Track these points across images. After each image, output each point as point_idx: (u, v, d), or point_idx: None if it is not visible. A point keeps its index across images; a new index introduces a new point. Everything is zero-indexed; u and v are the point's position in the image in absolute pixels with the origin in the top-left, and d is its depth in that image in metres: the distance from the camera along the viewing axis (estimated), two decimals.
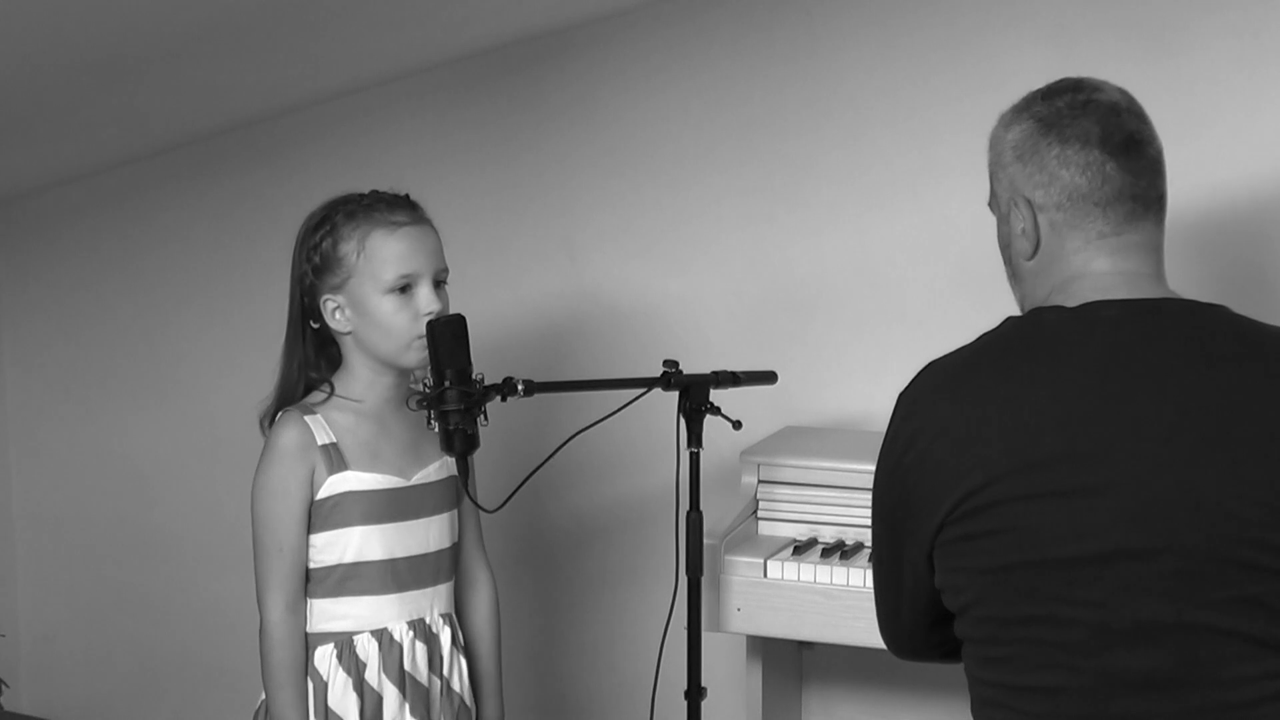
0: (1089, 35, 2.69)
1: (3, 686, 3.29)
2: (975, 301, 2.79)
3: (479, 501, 2.19)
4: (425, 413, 2.28)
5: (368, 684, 2.19)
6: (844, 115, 2.88)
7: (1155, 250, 1.67)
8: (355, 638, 2.19)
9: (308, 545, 2.18)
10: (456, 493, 2.31)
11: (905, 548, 1.68)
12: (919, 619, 1.73)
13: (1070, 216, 1.65)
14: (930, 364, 1.70)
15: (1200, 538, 1.50)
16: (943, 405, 1.63)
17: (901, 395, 1.70)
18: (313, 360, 2.24)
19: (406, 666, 2.21)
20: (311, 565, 2.19)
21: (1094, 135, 1.63)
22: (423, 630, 2.24)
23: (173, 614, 3.58)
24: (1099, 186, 1.63)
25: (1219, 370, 1.55)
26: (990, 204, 1.77)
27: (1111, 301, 1.61)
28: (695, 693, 2.39)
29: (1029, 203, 1.67)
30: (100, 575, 3.65)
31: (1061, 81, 1.70)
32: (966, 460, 1.58)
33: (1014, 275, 1.75)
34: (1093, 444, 1.53)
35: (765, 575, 2.45)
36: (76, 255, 3.58)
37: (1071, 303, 1.62)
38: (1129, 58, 2.67)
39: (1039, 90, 1.71)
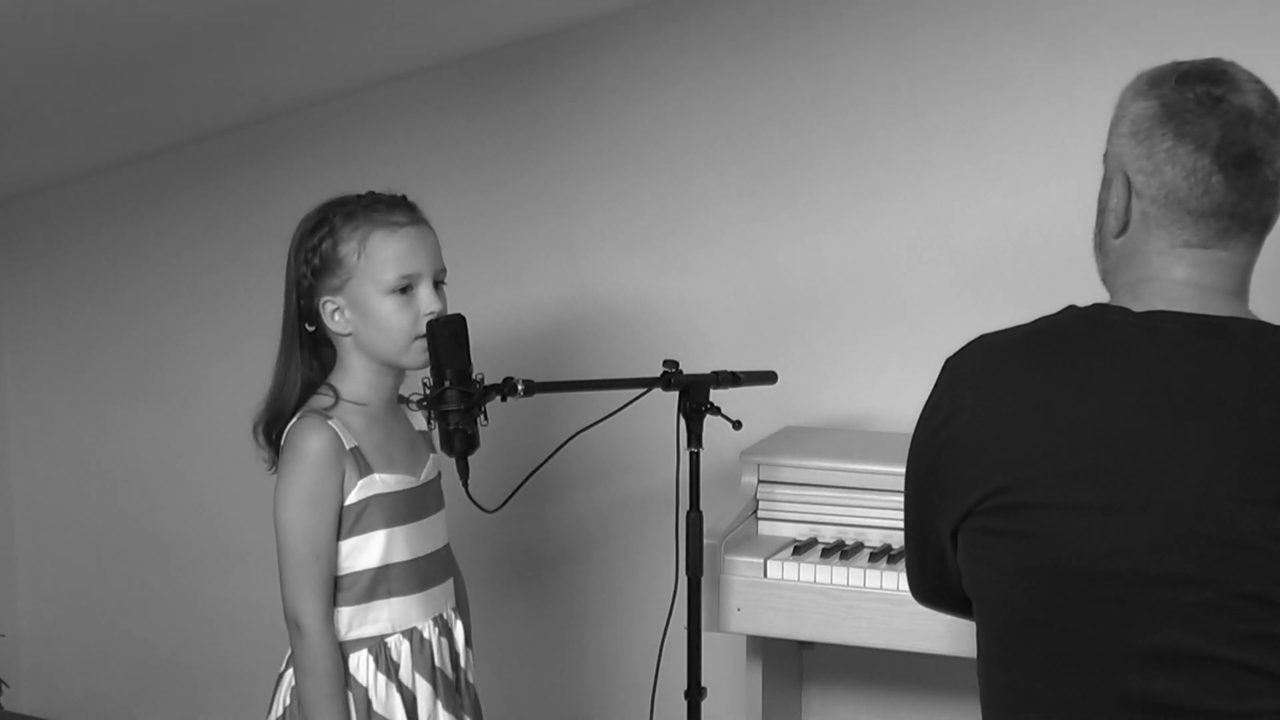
0: (1089, 35, 2.69)
1: (3, 686, 3.29)
2: (975, 301, 2.80)
3: (479, 501, 2.19)
4: (422, 412, 2.29)
5: (403, 683, 2.19)
6: (844, 115, 2.88)
7: (1241, 268, 1.59)
8: (387, 640, 2.19)
9: (336, 553, 2.16)
10: (441, 489, 2.33)
11: (933, 517, 1.65)
12: (944, 577, 1.71)
13: (1162, 214, 1.58)
14: (982, 337, 1.64)
15: (1232, 573, 1.46)
16: (987, 386, 1.59)
17: (948, 362, 1.65)
18: (309, 364, 2.24)
19: (436, 662, 2.23)
20: (341, 572, 2.16)
21: (1212, 141, 1.54)
22: (443, 625, 2.26)
23: (173, 614, 3.58)
24: (1198, 196, 1.55)
25: (1275, 399, 1.49)
26: (1104, 158, 1.68)
27: (1177, 314, 1.55)
28: (695, 693, 2.39)
29: (1128, 182, 1.60)
30: (100, 575, 3.65)
31: (1206, 66, 1.59)
32: (1004, 453, 1.55)
33: (1099, 246, 1.67)
34: (1136, 461, 1.49)
35: (765, 575, 2.45)
36: (76, 255, 3.58)
37: (1139, 306, 1.57)
38: (1129, 58, 2.67)
39: (1180, 67, 1.60)
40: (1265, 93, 1.58)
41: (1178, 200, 1.57)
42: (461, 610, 2.39)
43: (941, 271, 2.83)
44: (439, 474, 2.30)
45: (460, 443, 2.10)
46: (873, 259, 2.88)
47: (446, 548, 2.31)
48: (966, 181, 2.81)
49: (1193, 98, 1.56)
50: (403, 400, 2.31)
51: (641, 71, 3.02)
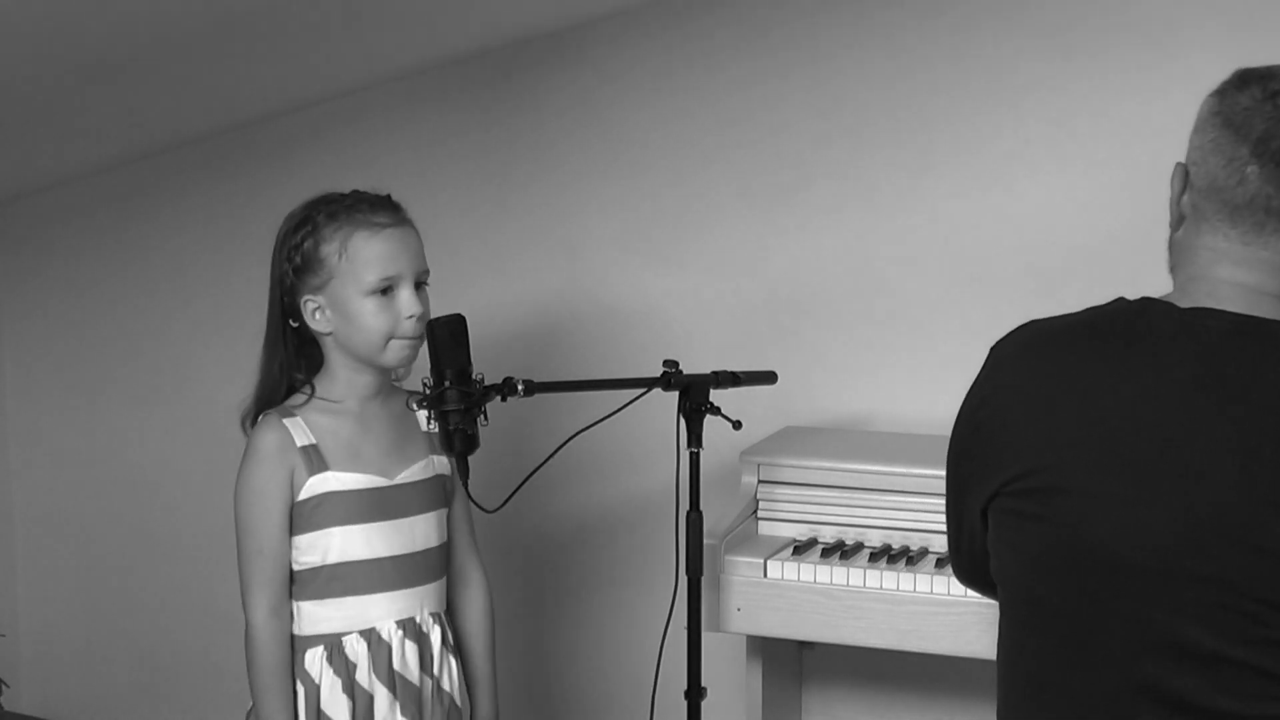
0: (1089, 36, 2.69)
1: (3, 686, 3.29)
2: (975, 301, 2.80)
3: (479, 501, 2.19)
4: (413, 412, 2.29)
5: (358, 684, 2.19)
6: (843, 115, 2.88)
7: None
8: (344, 638, 2.19)
9: (290, 548, 2.18)
10: (446, 492, 2.31)
11: (966, 495, 1.67)
12: (976, 557, 1.71)
13: (1205, 205, 1.58)
14: (1030, 322, 1.65)
15: (1252, 576, 1.46)
16: (1026, 370, 1.60)
17: (994, 345, 1.66)
18: (294, 360, 2.24)
19: (396, 666, 2.21)
20: (296, 567, 2.19)
21: (1254, 133, 1.54)
22: (413, 629, 2.24)
23: (173, 614, 3.58)
24: (1233, 186, 1.55)
25: None
26: None
27: (1221, 313, 1.54)
28: (695, 693, 2.39)
29: (1186, 174, 1.61)
30: (100, 575, 3.65)
31: (1273, 71, 1.58)
32: (1035, 436, 1.55)
33: (1168, 241, 1.67)
34: (1165, 456, 1.49)
35: (765, 575, 2.45)
36: (76, 255, 3.58)
37: (1185, 303, 1.57)
38: (1129, 58, 2.67)
39: (1247, 71, 1.60)
40: None
41: (1216, 190, 1.57)
42: (469, 616, 2.38)
43: (941, 271, 2.83)
44: (438, 476, 2.29)
45: (460, 443, 2.10)
46: (872, 259, 2.88)
47: (434, 551, 2.28)
48: (966, 181, 2.80)
49: (1247, 97, 1.57)
50: (409, 394, 2.31)
51: (640, 71, 3.02)
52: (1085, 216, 2.71)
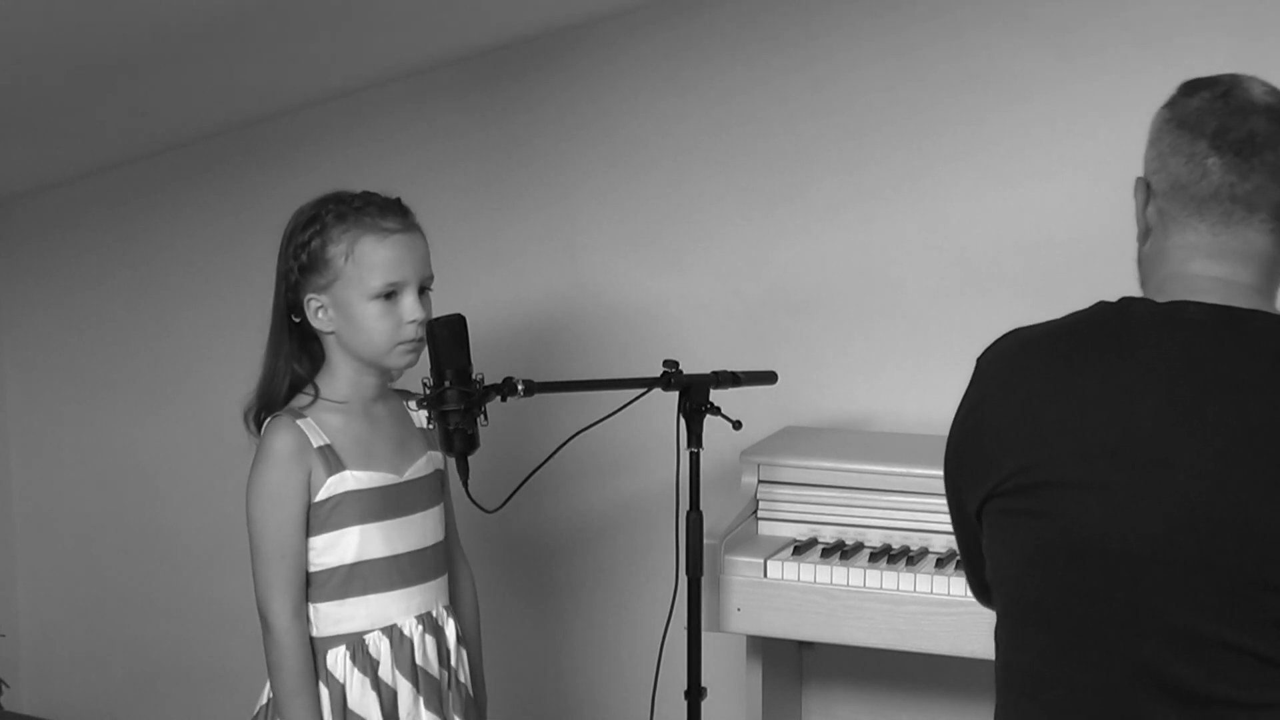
0: (1088, 35, 2.69)
1: (3, 686, 3.29)
2: (975, 301, 2.80)
3: (479, 501, 2.19)
4: (410, 409, 2.29)
5: (383, 681, 2.19)
6: (843, 113, 2.88)
7: (1260, 259, 1.60)
8: (366, 637, 2.20)
9: (307, 549, 2.18)
10: (441, 486, 2.32)
11: (962, 502, 1.69)
12: (979, 568, 1.72)
13: (1171, 207, 1.61)
14: (1014, 330, 1.68)
15: (1246, 560, 1.47)
16: (1012, 374, 1.63)
17: (980, 356, 1.69)
18: (296, 355, 2.24)
19: (418, 661, 2.22)
20: (313, 569, 2.18)
21: (1209, 128, 1.58)
22: (430, 624, 2.25)
23: (173, 614, 3.58)
24: (1197, 180, 1.58)
25: None
26: None
27: (1199, 304, 1.57)
28: (695, 693, 2.40)
29: (1147, 186, 1.65)
30: (100, 575, 3.65)
31: (1218, 78, 1.63)
32: (1024, 435, 1.57)
33: (1136, 257, 1.71)
34: (1152, 443, 1.50)
35: (765, 575, 2.45)
36: (76, 255, 3.58)
37: (1162, 299, 1.59)
38: (1129, 58, 2.68)
39: (1193, 80, 1.64)
40: (1273, 90, 1.61)
41: (1181, 187, 1.60)
42: (462, 608, 2.39)
43: (941, 271, 2.83)
44: (436, 471, 2.30)
45: (460, 443, 2.11)
46: (872, 258, 2.88)
47: (440, 545, 2.30)
48: (966, 180, 2.81)
49: (1197, 100, 1.61)
50: (399, 393, 2.32)
51: (641, 72, 3.02)
52: (1085, 216, 2.71)
